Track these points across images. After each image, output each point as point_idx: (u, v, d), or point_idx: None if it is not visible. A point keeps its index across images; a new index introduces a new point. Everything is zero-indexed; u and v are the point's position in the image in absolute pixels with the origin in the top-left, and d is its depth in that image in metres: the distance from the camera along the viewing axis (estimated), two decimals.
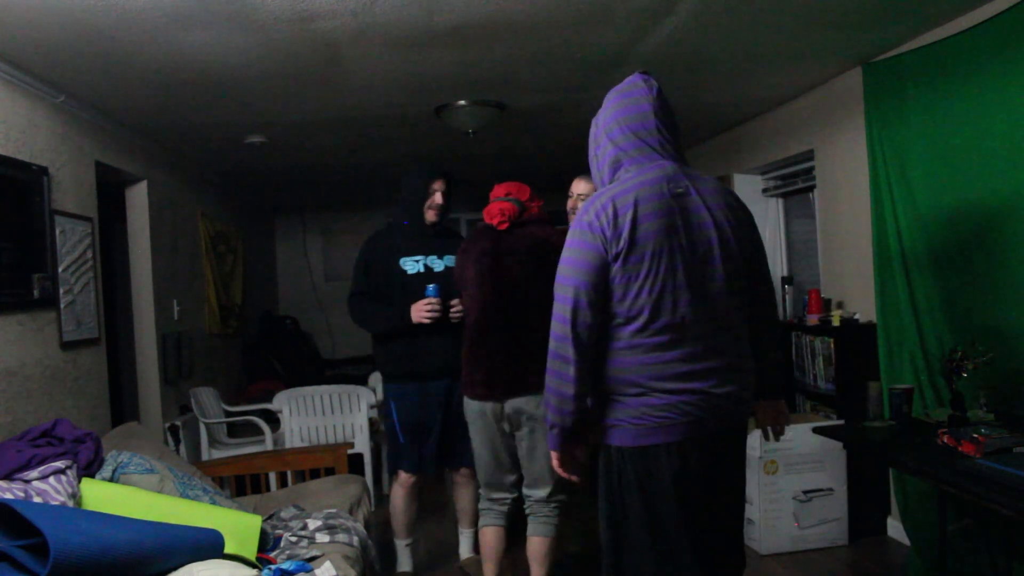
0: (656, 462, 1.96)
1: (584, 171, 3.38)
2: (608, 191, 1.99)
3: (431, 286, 3.24)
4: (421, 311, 3.22)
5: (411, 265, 3.37)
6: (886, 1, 2.93)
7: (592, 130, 2.14)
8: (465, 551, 3.63)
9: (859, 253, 3.86)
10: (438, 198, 3.37)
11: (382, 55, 3.27)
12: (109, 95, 3.65)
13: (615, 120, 2.07)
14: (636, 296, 1.92)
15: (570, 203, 3.37)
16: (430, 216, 3.39)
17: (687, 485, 1.97)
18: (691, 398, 1.95)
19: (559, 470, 2.10)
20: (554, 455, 2.07)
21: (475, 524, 3.61)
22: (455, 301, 3.25)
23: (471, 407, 2.95)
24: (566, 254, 1.98)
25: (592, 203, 1.97)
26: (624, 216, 1.92)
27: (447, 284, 3.30)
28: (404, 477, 3.44)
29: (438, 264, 3.39)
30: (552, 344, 1.96)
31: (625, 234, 1.91)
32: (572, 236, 1.98)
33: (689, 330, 1.94)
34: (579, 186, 3.33)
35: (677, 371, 1.94)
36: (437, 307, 3.22)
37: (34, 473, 2.40)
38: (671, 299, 1.93)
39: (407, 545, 3.53)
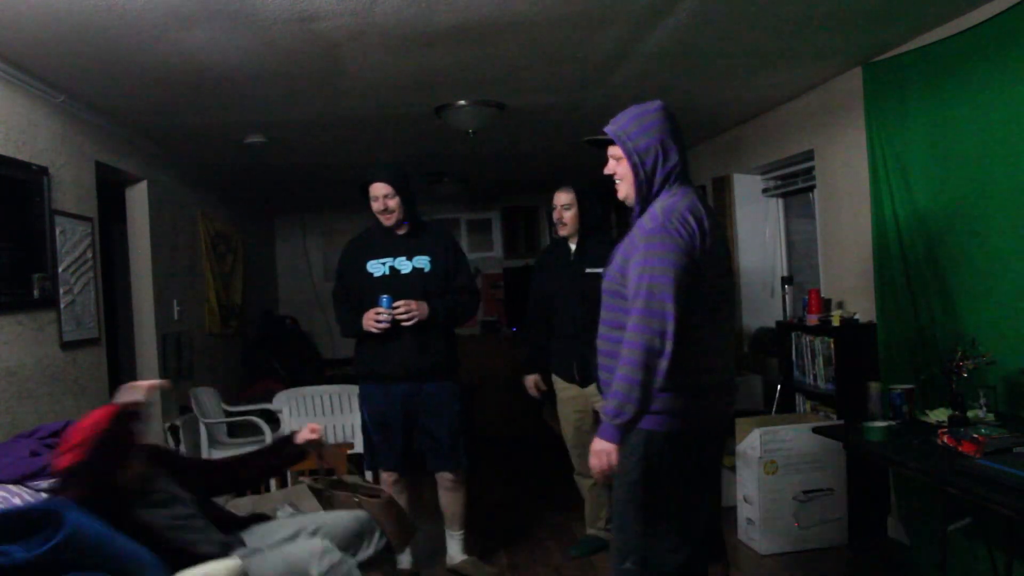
0: (698, 447, 2.19)
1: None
2: (678, 204, 2.17)
3: (384, 297, 3.27)
4: (369, 321, 3.27)
5: (377, 268, 3.40)
6: (886, 1, 2.93)
7: (631, 143, 2.21)
8: (456, 553, 3.63)
9: (859, 253, 3.85)
10: (376, 205, 3.33)
11: (382, 55, 3.27)
12: (109, 95, 3.65)
13: (668, 138, 2.22)
14: (708, 295, 2.15)
15: (556, 214, 3.65)
16: (382, 221, 3.37)
17: (712, 469, 2.26)
18: (725, 390, 2.25)
19: (610, 466, 2.13)
20: (612, 449, 2.11)
21: (465, 526, 3.62)
22: (400, 303, 3.25)
23: None
24: (657, 257, 2.09)
25: (669, 213, 2.14)
26: (702, 225, 2.15)
27: (415, 285, 3.33)
28: (386, 476, 3.51)
29: (406, 266, 3.39)
30: (643, 338, 2.05)
31: (708, 241, 2.14)
32: (661, 241, 2.10)
33: (725, 327, 2.24)
34: (561, 197, 3.62)
35: (721, 363, 2.22)
36: (385, 318, 3.24)
37: (43, 484, 2.41)
38: (723, 299, 2.22)
39: None
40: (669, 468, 2.15)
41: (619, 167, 2.27)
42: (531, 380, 3.88)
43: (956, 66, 3.06)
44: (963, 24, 3.03)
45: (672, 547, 2.16)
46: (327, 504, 2.84)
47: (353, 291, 3.46)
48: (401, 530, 2.85)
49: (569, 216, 3.59)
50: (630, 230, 2.34)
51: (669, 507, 2.17)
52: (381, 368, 3.37)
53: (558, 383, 3.78)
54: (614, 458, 2.12)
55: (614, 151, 2.28)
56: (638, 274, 2.10)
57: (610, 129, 2.26)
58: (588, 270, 3.48)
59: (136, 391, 2.25)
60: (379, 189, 3.33)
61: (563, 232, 3.65)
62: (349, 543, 2.63)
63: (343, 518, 2.70)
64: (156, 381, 2.38)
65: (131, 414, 2.20)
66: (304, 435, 2.75)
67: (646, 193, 2.22)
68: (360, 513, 2.73)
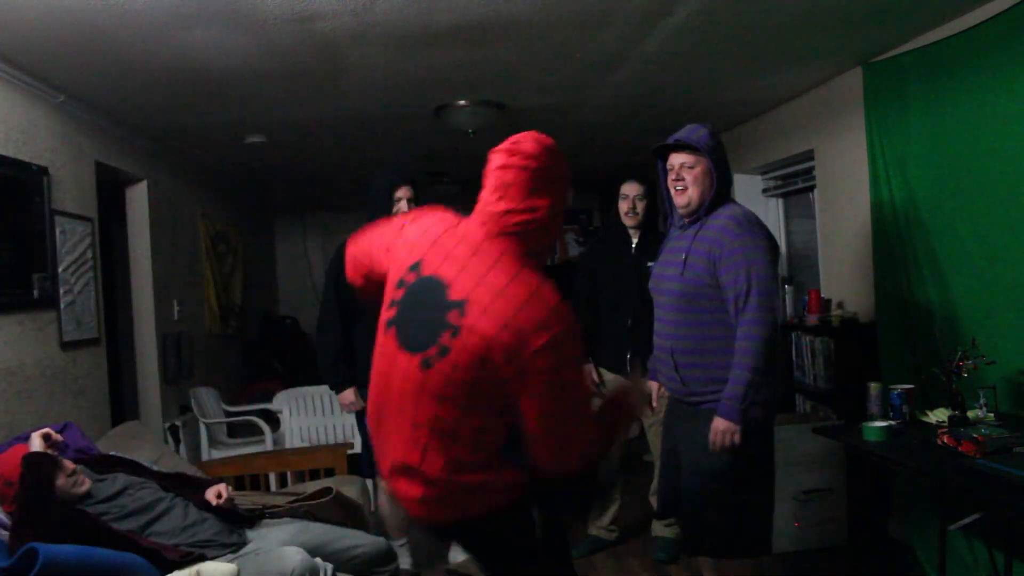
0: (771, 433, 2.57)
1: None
2: (748, 212, 2.54)
3: None
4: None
5: None
6: (886, 1, 2.93)
7: (715, 156, 2.51)
8: (458, 552, 3.62)
9: (859, 253, 3.86)
10: (403, 206, 3.29)
11: (382, 55, 3.27)
12: (109, 95, 3.65)
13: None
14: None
15: (627, 204, 3.66)
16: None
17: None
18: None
19: (732, 444, 2.39)
20: (736, 429, 2.37)
21: None
22: None
23: None
24: (760, 257, 2.40)
25: (751, 219, 2.50)
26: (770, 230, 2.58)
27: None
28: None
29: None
30: (764, 332, 2.36)
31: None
32: (755, 243, 2.42)
33: None
34: (635, 188, 3.66)
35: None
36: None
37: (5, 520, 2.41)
38: None
39: (403, 545, 3.54)
40: (766, 453, 2.52)
41: (689, 174, 2.51)
42: (587, 369, 3.65)
43: (956, 66, 3.05)
44: (963, 24, 3.03)
45: (770, 512, 2.53)
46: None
47: (353, 303, 3.34)
48: (351, 516, 3.02)
49: (643, 206, 3.64)
50: (668, 233, 2.72)
51: (762, 485, 2.51)
52: None
53: (604, 375, 3.72)
54: (737, 438, 2.37)
55: (685, 159, 2.52)
56: (746, 273, 2.37)
57: (692, 139, 2.50)
58: (649, 263, 3.42)
59: (33, 441, 2.40)
60: (408, 192, 3.30)
61: (632, 222, 3.65)
62: (361, 568, 2.69)
63: (356, 539, 2.77)
64: (43, 430, 2.47)
65: (36, 460, 2.33)
66: (211, 497, 2.72)
67: (712, 202, 2.51)
68: (380, 541, 2.86)
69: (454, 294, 1.66)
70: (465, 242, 1.72)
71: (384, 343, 1.78)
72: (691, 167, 2.52)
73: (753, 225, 2.48)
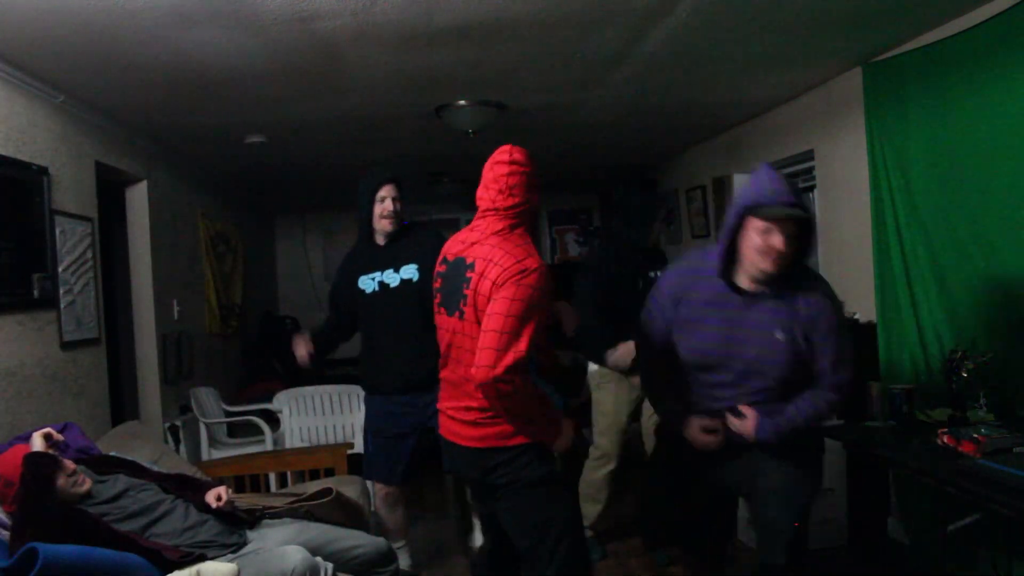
0: None
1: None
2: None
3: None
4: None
5: (368, 284, 3.32)
6: (886, 1, 2.93)
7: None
8: (479, 536, 3.63)
9: (859, 253, 3.86)
10: (388, 205, 3.26)
11: (382, 55, 3.27)
12: (109, 95, 3.65)
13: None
14: None
15: (659, 227, 3.70)
16: (384, 225, 3.28)
17: None
18: None
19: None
20: (758, 439, 2.34)
21: None
22: None
23: None
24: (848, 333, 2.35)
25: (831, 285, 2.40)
26: None
27: (409, 299, 3.24)
28: (379, 488, 3.48)
29: (393, 278, 3.27)
30: (838, 400, 2.36)
31: None
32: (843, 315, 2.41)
33: None
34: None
35: None
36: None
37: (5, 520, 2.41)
38: None
39: (401, 547, 3.55)
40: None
41: (792, 246, 2.18)
42: (625, 349, 3.44)
43: (956, 66, 3.06)
44: (963, 24, 3.03)
45: None
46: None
47: (345, 308, 3.42)
48: (351, 516, 3.04)
49: None
50: (705, 284, 2.37)
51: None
52: (381, 380, 3.34)
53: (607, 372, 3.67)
54: (749, 434, 2.32)
55: (793, 229, 2.17)
56: (845, 354, 2.30)
57: (807, 207, 2.23)
58: (652, 273, 3.55)
59: (34, 440, 2.44)
60: (391, 190, 3.26)
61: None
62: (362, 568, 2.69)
63: (355, 539, 2.77)
64: (44, 430, 2.50)
65: (37, 460, 2.35)
66: (211, 499, 2.71)
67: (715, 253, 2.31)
68: (380, 541, 2.87)
69: (469, 259, 2.26)
70: (478, 230, 2.31)
71: (439, 318, 2.38)
72: (796, 237, 2.18)
73: (837, 300, 2.33)
